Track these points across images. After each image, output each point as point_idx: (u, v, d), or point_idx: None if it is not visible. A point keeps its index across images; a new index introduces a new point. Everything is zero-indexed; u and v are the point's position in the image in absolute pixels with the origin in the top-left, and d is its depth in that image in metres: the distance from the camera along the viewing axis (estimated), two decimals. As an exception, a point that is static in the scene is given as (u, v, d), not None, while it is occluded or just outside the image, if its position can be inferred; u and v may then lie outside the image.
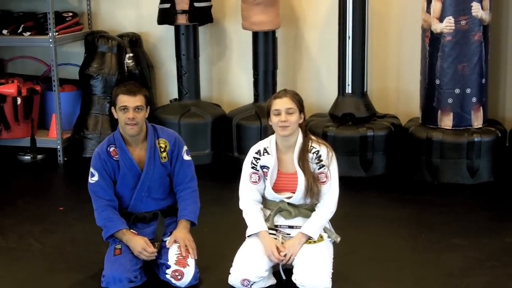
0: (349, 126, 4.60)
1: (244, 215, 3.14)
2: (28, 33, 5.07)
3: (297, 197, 3.09)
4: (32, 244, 3.66)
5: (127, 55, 5.18)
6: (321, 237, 3.09)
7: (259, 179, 3.12)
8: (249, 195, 3.14)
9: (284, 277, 3.04)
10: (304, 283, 2.92)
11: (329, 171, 3.09)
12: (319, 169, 3.08)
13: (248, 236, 3.11)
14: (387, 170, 4.63)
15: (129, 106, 3.10)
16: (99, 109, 5.07)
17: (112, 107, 3.18)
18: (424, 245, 3.57)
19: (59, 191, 4.73)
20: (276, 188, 3.11)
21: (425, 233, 3.70)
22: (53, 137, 5.08)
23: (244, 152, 4.82)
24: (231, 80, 5.35)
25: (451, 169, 4.39)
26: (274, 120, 3.06)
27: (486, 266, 3.29)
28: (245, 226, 3.15)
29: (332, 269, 3.03)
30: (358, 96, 4.70)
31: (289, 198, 3.11)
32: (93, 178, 3.18)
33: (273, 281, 3.06)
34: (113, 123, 5.07)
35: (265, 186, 3.14)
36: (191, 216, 3.20)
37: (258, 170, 3.12)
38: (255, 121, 4.80)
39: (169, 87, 5.42)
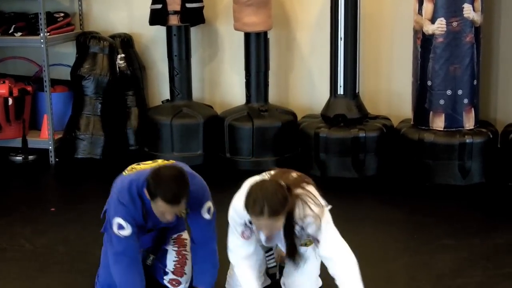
0: (341, 127, 4.61)
1: (235, 270, 2.89)
2: (20, 34, 5.05)
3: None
4: (24, 245, 3.65)
5: (119, 56, 5.17)
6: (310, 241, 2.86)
7: (251, 233, 2.79)
8: (240, 251, 2.83)
9: (278, 277, 3.03)
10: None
11: (321, 237, 2.72)
12: (309, 237, 2.76)
13: None
14: (379, 171, 4.63)
15: (170, 213, 2.71)
16: (90, 109, 5.06)
17: (145, 189, 2.70)
18: (415, 246, 3.57)
19: (51, 192, 4.71)
20: (269, 241, 2.86)
21: (417, 234, 3.71)
22: (44, 137, 5.06)
23: (236, 153, 4.85)
24: (223, 81, 5.35)
25: (443, 170, 4.40)
26: (255, 225, 2.68)
27: (478, 267, 3.30)
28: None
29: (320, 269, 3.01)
30: (350, 97, 4.71)
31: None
32: (123, 231, 2.75)
33: (268, 281, 3.05)
34: (105, 124, 5.07)
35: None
36: (209, 284, 2.95)
37: (250, 227, 2.77)
38: (247, 122, 4.80)
39: (161, 88, 5.41)
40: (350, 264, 2.70)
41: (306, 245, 2.94)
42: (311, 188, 2.71)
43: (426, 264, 3.32)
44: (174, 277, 3.03)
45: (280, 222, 2.60)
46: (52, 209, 4.16)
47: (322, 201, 2.70)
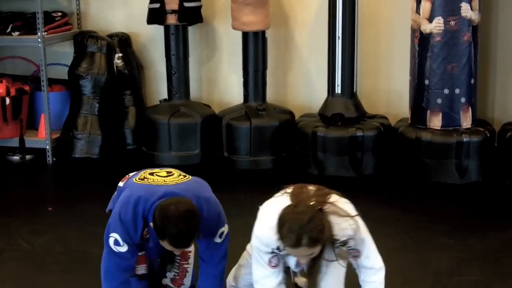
0: (339, 126, 4.61)
1: None
2: (17, 33, 5.04)
3: None
4: (21, 245, 3.64)
5: (117, 55, 5.17)
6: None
7: (279, 261, 2.58)
8: (269, 283, 2.59)
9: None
10: None
11: (363, 249, 2.59)
12: (349, 249, 2.59)
13: None
14: (376, 170, 4.64)
15: (179, 251, 2.69)
16: (88, 109, 5.06)
17: (152, 224, 2.57)
18: (412, 244, 3.58)
19: (48, 191, 4.71)
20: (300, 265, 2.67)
21: (414, 233, 3.71)
22: (42, 137, 5.06)
23: (234, 152, 4.85)
24: (221, 80, 5.35)
25: (440, 169, 4.40)
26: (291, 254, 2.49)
27: (475, 266, 3.30)
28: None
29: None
30: (348, 97, 4.71)
31: None
32: (119, 248, 2.66)
33: None
34: (102, 124, 5.07)
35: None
36: None
37: (277, 253, 2.56)
38: (245, 121, 4.80)
39: (158, 87, 5.41)
40: (383, 274, 2.63)
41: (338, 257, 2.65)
42: (335, 198, 2.55)
43: (423, 263, 3.33)
44: (173, 286, 2.96)
45: (319, 248, 2.43)
46: (50, 208, 4.16)
47: (353, 210, 2.56)
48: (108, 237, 2.66)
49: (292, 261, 2.61)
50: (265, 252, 2.55)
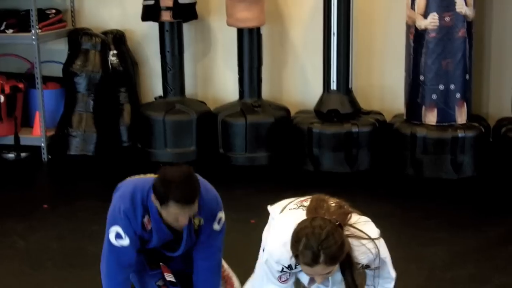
0: (334, 122, 4.61)
1: None
2: (11, 31, 5.03)
3: None
4: (17, 242, 3.64)
5: (111, 52, 5.16)
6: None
7: (289, 276, 2.42)
8: None
9: None
10: None
11: (385, 266, 2.46)
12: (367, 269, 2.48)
13: None
14: (371, 165, 4.64)
15: (184, 216, 2.52)
16: (83, 106, 5.04)
17: (154, 196, 2.52)
18: (408, 239, 3.58)
19: (43, 189, 4.70)
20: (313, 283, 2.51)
21: (409, 227, 3.72)
22: (37, 134, 5.05)
23: (229, 149, 4.84)
24: (216, 77, 5.34)
25: (435, 164, 4.41)
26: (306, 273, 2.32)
27: (470, 260, 3.31)
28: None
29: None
30: (343, 93, 4.71)
31: None
32: (121, 241, 2.59)
33: None
34: (97, 121, 5.06)
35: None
36: None
37: (289, 272, 2.41)
38: (240, 117, 4.79)
39: (153, 84, 5.40)
40: (394, 282, 2.52)
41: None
42: (355, 218, 2.39)
43: (419, 257, 3.33)
44: None
45: (336, 267, 2.26)
46: (45, 206, 4.15)
47: (374, 230, 2.40)
48: (108, 233, 2.61)
49: (305, 278, 2.44)
50: (276, 271, 2.39)
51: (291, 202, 2.52)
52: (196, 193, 2.50)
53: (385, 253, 2.43)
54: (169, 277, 2.78)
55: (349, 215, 2.36)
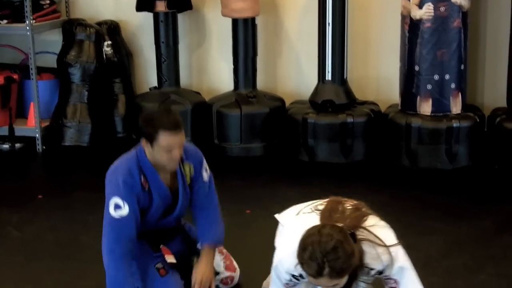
0: (329, 113, 4.61)
1: None
2: (5, 21, 5.00)
3: None
4: (11, 233, 3.63)
5: (106, 43, 5.14)
6: None
7: (296, 283, 2.35)
8: None
9: None
10: None
11: (400, 277, 2.31)
12: (385, 278, 2.34)
13: None
14: (367, 156, 4.64)
15: (176, 145, 2.62)
16: (77, 97, 5.03)
17: (144, 139, 2.64)
18: (404, 229, 3.53)
19: (38, 179, 4.68)
20: None
21: (404, 217, 3.72)
22: (31, 125, 5.03)
23: (224, 139, 4.84)
24: (211, 67, 5.33)
25: (430, 154, 4.42)
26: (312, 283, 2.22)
27: (465, 249, 3.32)
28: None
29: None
30: (338, 83, 4.71)
31: None
32: (120, 211, 2.61)
33: None
34: (92, 112, 5.04)
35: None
36: (218, 240, 2.86)
37: (297, 281, 2.33)
38: (235, 108, 4.79)
39: (148, 75, 5.38)
40: None
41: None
42: (373, 221, 2.30)
43: (414, 247, 3.30)
44: (228, 273, 2.91)
45: (344, 279, 2.14)
46: (40, 196, 4.14)
47: (392, 237, 2.30)
48: (108, 206, 2.64)
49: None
50: (284, 279, 2.32)
51: (306, 206, 2.43)
52: (180, 120, 2.66)
53: (404, 262, 2.29)
54: (170, 258, 2.81)
55: (365, 217, 2.26)
